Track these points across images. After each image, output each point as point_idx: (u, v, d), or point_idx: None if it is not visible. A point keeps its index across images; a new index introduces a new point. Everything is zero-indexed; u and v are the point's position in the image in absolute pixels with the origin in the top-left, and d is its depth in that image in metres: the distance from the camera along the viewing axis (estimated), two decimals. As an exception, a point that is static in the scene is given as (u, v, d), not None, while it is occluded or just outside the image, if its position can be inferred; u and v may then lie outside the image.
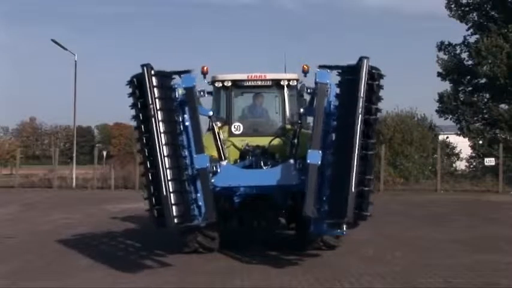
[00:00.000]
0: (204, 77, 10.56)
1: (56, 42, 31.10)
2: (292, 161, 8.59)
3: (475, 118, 31.15)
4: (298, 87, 10.65)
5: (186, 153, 7.73)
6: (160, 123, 7.40)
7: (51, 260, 9.18)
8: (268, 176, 8.72)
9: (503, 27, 29.58)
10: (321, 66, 7.82)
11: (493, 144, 29.04)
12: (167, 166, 7.32)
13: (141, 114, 7.51)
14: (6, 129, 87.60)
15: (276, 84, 10.34)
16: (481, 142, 30.41)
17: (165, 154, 7.35)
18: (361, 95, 7.38)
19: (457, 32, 66.82)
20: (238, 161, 9.53)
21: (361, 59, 7.45)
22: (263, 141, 9.88)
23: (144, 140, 7.50)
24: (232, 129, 10.12)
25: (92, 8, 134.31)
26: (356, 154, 7.26)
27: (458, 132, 31.54)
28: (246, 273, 8.06)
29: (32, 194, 23.72)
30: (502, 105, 30.56)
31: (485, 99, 31.40)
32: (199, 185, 7.67)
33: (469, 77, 31.55)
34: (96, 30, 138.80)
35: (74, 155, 32.12)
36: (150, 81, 7.42)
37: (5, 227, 13.30)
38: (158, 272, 8.21)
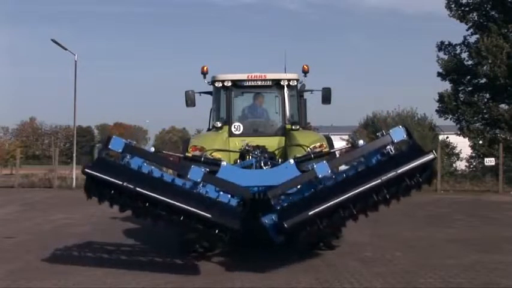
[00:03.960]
0: (204, 77, 10.59)
1: (56, 42, 31.10)
2: (292, 161, 8.57)
3: (475, 118, 31.07)
4: (298, 87, 10.68)
5: (180, 182, 7.74)
6: (145, 185, 7.36)
7: (51, 260, 9.16)
8: (268, 176, 8.70)
9: (503, 27, 29.57)
10: (404, 127, 7.79)
11: (493, 144, 29.05)
12: (184, 201, 7.31)
13: (127, 199, 7.47)
14: (6, 129, 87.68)
15: (276, 84, 10.35)
16: (481, 142, 30.40)
17: (173, 196, 7.34)
18: (399, 171, 7.12)
19: (457, 32, 67.02)
20: (239, 161, 9.53)
21: (430, 152, 7.29)
22: (263, 141, 9.89)
23: (151, 209, 7.43)
24: (232, 129, 10.13)
25: (92, 8, 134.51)
26: (343, 197, 7.05)
27: (458, 132, 31.52)
28: (245, 273, 8.05)
29: (32, 194, 23.69)
30: (502, 105, 30.53)
31: (485, 99, 31.34)
32: (212, 192, 7.71)
33: (469, 77, 31.51)
34: (96, 30, 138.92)
35: (74, 155, 32.11)
36: (103, 173, 7.42)
37: (5, 227, 13.31)
38: (158, 272, 8.20)
